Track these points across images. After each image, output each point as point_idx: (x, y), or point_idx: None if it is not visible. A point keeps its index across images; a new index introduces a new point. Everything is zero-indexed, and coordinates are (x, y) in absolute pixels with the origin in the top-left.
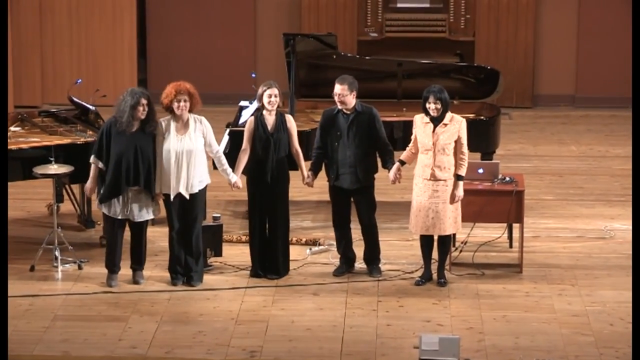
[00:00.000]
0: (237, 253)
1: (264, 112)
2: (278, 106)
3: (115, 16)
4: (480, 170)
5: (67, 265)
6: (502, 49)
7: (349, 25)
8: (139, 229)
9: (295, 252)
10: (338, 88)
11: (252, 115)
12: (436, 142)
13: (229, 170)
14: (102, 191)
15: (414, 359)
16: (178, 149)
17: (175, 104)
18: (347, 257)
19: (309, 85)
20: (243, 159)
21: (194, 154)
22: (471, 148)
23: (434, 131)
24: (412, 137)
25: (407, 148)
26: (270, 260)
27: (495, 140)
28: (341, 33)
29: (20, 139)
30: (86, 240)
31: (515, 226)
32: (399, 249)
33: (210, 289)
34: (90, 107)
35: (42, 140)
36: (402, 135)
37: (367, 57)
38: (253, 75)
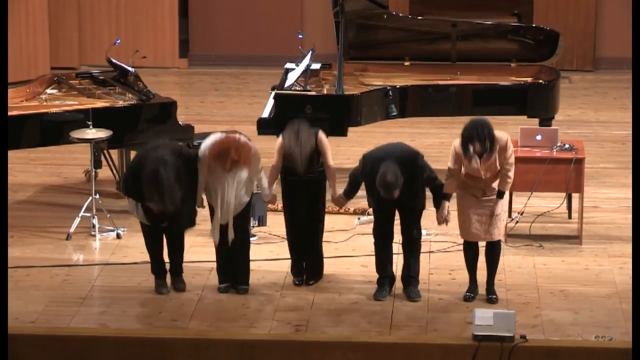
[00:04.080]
0: (282, 222)
1: None
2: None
3: None
4: (539, 137)
5: (105, 234)
6: (562, 8)
7: None
8: (177, 232)
9: (343, 222)
10: (390, 195)
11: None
12: (486, 171)
13: (267, 189)
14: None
15: (467, 334)
16: (224, 185)
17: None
18: (387, 277)
19: (358, 46)
20: (274, 174)
21: (241, 185)
22: (529, 114)
23: (481, 163)
24: (453, 162)
25: (447, 178)
26: (308, 266)
27: (554, 105)
28: None
29: (56, 101)
30: (125, 208)
31: (575, 196)
32: (452, 219)
33: (254, 259)
34: (130, 69)
35: (79, 103)
36: (456, 99)
37: (419, 17)
38: (300, 36)
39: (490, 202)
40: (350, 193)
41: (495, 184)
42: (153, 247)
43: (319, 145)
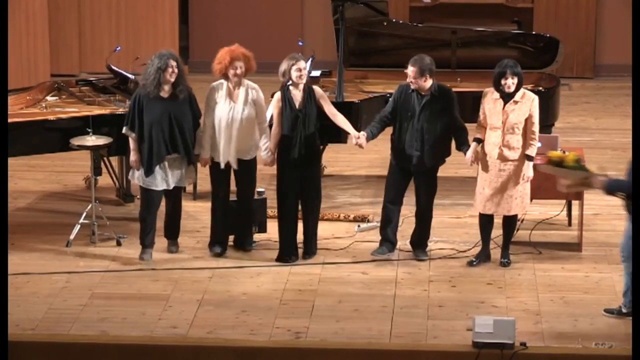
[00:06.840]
0: None
1: (290, 87)
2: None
3: None
4: (539, 144)
5: (105, 240)
6: (562, 16)
7: None
8: (177, 197)
9: (343, 229)
10: (409, 69)
11: (278, 90)
12: (505, 121)
13: (267, 146)
14: (144, 164)
15: (467, 341)
16: (229, 117)
17: (232, 71)
18: (389, 241)
19: (359, 53)
20: (276, 136)
21: (245, 122)
22: None
23: (503, 109)
24: (482, 111)
25: (478, 123)
26: (305, 241)
27: (554, 112)
28: None
29: (56, 108)
30: (125, 214)
31: (575, 203)
32: (452, 227)
33: (254, 266)
34: (130, 75)
35: (79, 110)
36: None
37: (419, 25)
38: (300, 43)
39: (508, 176)
40: (376, 128)
41: (511, 152)
42: (148, 210)
43: (315, 94)
